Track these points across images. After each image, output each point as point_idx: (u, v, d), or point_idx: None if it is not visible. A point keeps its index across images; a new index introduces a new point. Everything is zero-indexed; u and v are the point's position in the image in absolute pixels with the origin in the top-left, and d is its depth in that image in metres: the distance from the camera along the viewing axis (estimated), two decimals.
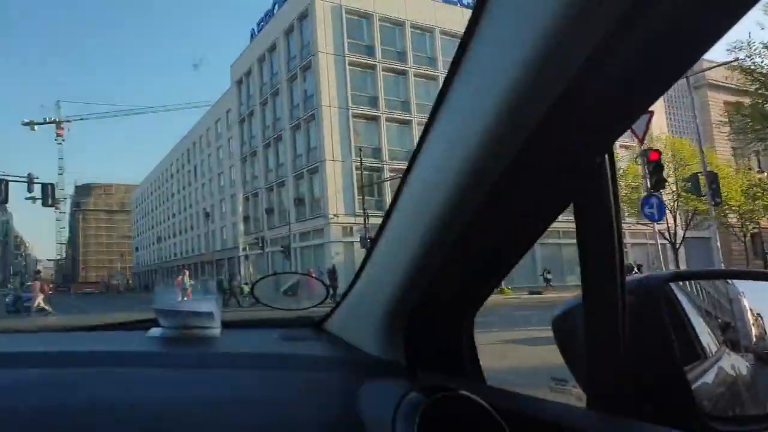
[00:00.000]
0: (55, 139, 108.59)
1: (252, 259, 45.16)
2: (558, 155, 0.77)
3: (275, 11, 43.33)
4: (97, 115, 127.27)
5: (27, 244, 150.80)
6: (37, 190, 27.83)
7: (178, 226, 73.19)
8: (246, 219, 49.65)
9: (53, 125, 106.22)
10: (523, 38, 0.61)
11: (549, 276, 30.11)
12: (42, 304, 24.71)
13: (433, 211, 0.88)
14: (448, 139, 0.82)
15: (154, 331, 1.33)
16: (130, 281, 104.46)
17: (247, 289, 27.69)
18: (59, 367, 1.09)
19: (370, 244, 1.20)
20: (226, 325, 1.39)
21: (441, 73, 39.35)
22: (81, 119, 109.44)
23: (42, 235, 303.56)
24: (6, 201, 25.71)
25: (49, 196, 26.99)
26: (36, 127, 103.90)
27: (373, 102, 38.10)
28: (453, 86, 0.78)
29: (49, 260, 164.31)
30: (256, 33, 46.61)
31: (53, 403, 0.99)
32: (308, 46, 37.96)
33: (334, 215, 35.64)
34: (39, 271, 60.87)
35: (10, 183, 25.29)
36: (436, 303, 1.09)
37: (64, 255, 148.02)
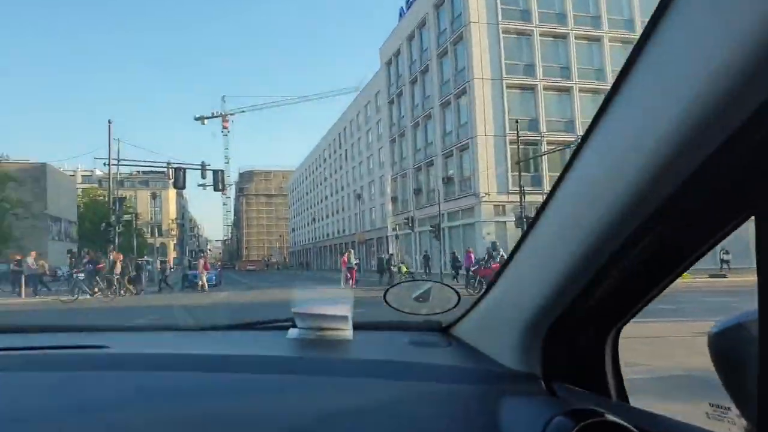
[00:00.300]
0: (222, 131, 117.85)
1: (401, 239, 45.09)
2: (740, 170, 0.68)
3: None
4: (257, 107, 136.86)
5: (200, 227, 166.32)
6: (208, 178, 30.60)
7: (331, 208, 76.04)
8: (394, 200, 49.88)
9: (219, 119, 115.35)
10: (724, 41, 0.53)
11: (727, 257, 26.17)
12: (203, 281, 26.20)
13: (588, 225, 0.82)
14: (612, 153, 0.76)
15: (293, 332, 1.43)
16: (287, 259, 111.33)
17: (404, 268, 27.48)
18: (204, 370, 1.14)
19: (512, 251, 1.12)
20: (357, 327, 1.46)
21: (604, 33, 36.08)
22: (242, 111, 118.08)
23: (211, 219, 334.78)
24: (184, 187, 28.00)
25: (219, 181, 29.49)
26: (205, 121, 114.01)
27: (529, 70, 35.85)
28: (623, 94, 0.71)
29: (217, 241, 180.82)
30: (405, 11, 46.20)
31: (201, 410, 1.02)
32: (459, 17, 36.64)
33: (486, 194, 34.20)
34: (202, 251, 66.42)
35: (186, 171, 27.77)
36: (580, 315, 1.02)
37: (229, 236, 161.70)
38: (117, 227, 27.38)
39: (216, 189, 31.03)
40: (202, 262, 28.47)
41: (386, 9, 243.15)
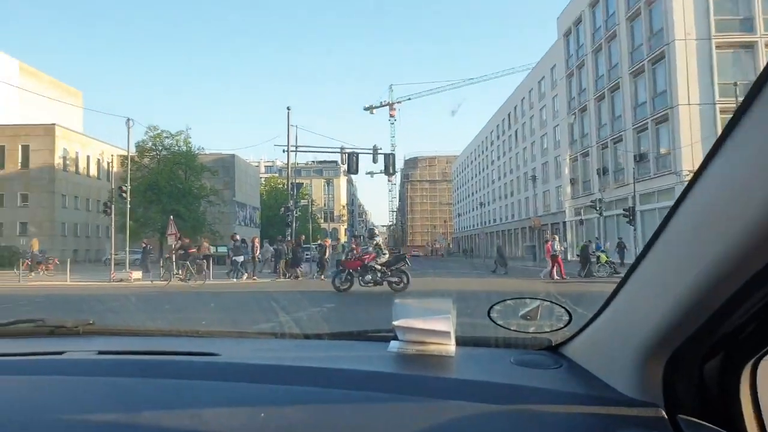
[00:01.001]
0: (389, 120, 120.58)
1: (585, 223, 41.68)
2: None
3: None
4: (422, 93, 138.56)
5: (367, 212, 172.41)
6: (377, 164, 29.93)
7: (499, 192, 73.73)
8: (573, 181, 46.40)
9: (387, 107, 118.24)
10: None
11: None
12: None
13: (728, 234, 0.72)
14: (760, 143, 0.67)
15: (393, 345, 1.40)
16: (450, 245, 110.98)
17: (604, 257, 24.74)
18: (305, 384, 1.15)
19: (634, 263, 1.03)
20: (460, 342, 1.41)
21: None
22: (408, 99, 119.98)
23: (378, 205, 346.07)
24: (356, 172, 28.23)
25: (390, 165, 29.26)
26: (374, 110, 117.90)
27: (747, 24, 30.57)
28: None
29: (382, 226, 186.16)
30: None
31: (300, 426, 1.05)
32: None
33: (689, 171, 29.86)
34: (358, 236, 67.76)
35: (359, 156, 27.96)
36: (711, 341, 0.94)
37: (394, 222, 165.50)
38: (294, 211, 28.24)
39: (386, 173, 31.61)
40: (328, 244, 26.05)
41: None
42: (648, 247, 0.94)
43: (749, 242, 0.68)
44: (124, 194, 24.10)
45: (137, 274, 21.86)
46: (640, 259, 0.98)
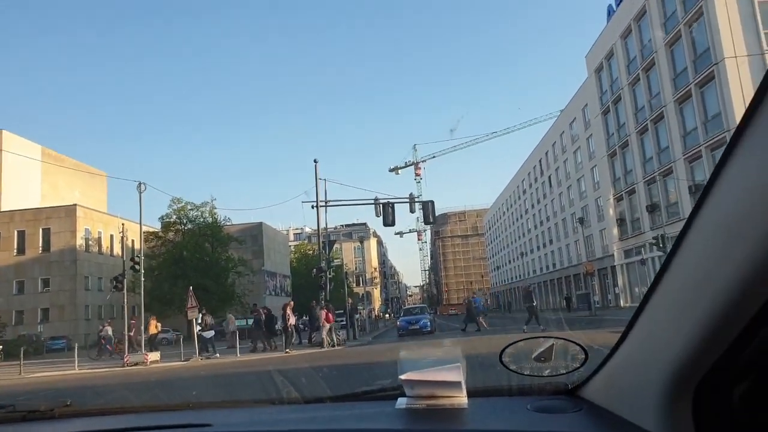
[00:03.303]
0: (415, 178, 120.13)
1: (638, 264, 38.31)
2: None
3: None
4: (446, 151, 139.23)
5: (399, 273, 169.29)
6: (403, 221, 29.12)
7: (536, 241, 70.71)
8: (620, 222, 43.30)
9: (412, 167, 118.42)
10: None
11: None
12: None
13: (753, 251, 0.67)
14: None
15: (401, 402, 1.33)
16: (488, 301, 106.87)
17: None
18: None
19: (647, 291, 0.98)
20: (471, 393, 1.35)
21: None
22: (433, 157, 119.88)
23: (407, 266, 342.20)
24: (393, 223, 26.38)
25: (429, 213, 27.40)
26: (399, 171, 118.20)
27: None
28: None
29: (415, 287, 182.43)
30: (615, 8, 40.75)
31: None
32: None
33: None
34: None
35: (395, 206, 26.44)
36: (738, 367, 0.87)
37: (427, 281, 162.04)
38: (328, 272, 26.02)
39: (426, 222, 29.97)
40: (323, 313, 21.64)
41: (580, 25, 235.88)
42: (660, 274, 0.89)
43: (754, 276, 0.65)
44: (137, 266, 21.94)
45: (154, 356, 19.40)
46: (652, 289, 0.93)
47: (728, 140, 0.62)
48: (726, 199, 0.71)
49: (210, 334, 21.08)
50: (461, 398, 1.27)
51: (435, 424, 1.19)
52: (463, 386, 1.27)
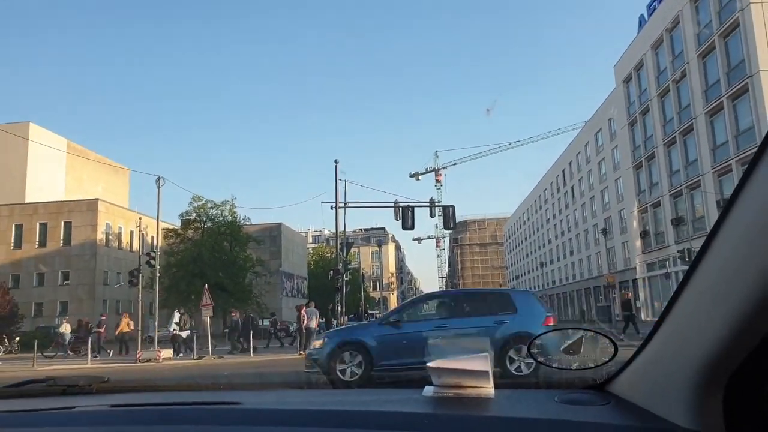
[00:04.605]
0: (435, 185, 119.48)
1: (661, 279, 37.46)
2: None
3: None
4: (467, 158, 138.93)
5: (416, 279, 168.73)
6: (423, 226, 28.26)
7: (557, 252, 69.74)
8: (644, 234, 42.41)
9: (432, 173, 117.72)
10: None
11: None
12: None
13: None
14: None
15: (428, 390, 1.33)
16: None
17: None
18: (335, 426, 1.13)
19: (678, 285, 0.97)
20: (498, 385, 1.34)
21: None
22: (454, 164, 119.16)
23: (424, 272, 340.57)
24: (412, 227, 25.80)
25: (450, 218, 26.67)
26: (419, 177, 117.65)
27: None
28: None
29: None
30: (647, 18, 40.03)
31: None
32: (731, 2, 29.57)
33: None
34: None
35: (415, 209, 25.62)
36: None
37: (444, 287, 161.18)
38: (345, 274, 25.68)
39: (446, 227, 28.89)
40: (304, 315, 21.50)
41: (607, 33, 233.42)
42: (692, 268, 0.88)
43: None
44: (152, 261, 21.83)
45: (167, 353, 19.24)
46: (684, 282, 0.92)
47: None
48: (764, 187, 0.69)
49: (186, 333, 21.15)
50: (488, 389, 1.27)
51: (461, 411, 1.18)
52: (491, 376, 1.28)
